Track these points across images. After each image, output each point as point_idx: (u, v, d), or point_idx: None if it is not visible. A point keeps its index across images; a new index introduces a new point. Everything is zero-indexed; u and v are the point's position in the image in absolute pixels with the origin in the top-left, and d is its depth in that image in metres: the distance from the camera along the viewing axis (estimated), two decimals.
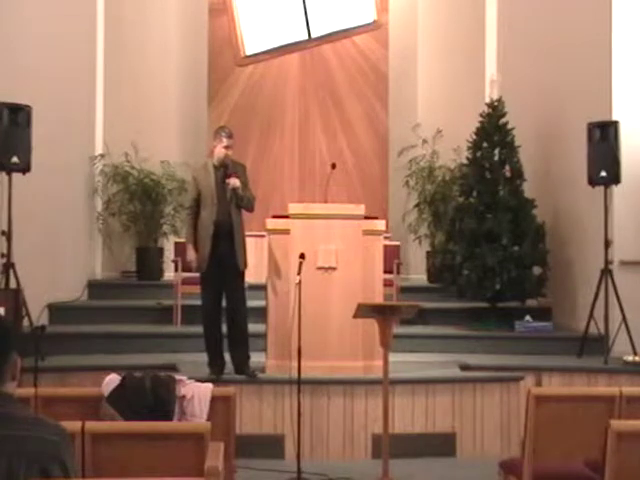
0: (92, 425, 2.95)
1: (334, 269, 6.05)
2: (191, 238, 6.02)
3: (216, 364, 5.95)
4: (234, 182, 5.83)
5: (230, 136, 5.99)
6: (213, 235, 5.86)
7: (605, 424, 3.22)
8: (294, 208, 6.19)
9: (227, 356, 6.04)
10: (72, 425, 2.74)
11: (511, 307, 7.59)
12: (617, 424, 3.22)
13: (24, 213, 6.46)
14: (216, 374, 5.84)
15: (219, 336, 6.02)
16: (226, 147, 5.94)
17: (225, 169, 5.92)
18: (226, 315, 6.00)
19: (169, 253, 8.66)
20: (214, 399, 3.94)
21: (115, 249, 9.12)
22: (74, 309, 7.67)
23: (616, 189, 6.76)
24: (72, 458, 2.14)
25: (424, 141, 9.31)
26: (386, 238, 7.25)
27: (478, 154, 7.72)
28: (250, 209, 6.06)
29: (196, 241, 5.98)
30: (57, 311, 7.41)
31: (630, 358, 6.37)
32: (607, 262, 6.55)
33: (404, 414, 5.86)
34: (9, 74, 6.56)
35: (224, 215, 5.88)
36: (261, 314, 6.39)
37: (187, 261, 6.14)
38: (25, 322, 6.17)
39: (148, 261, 8.94)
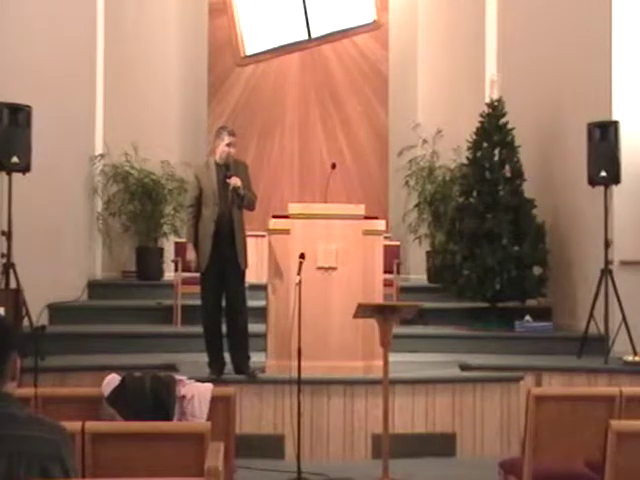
0: (92, 425, 2.95)
1: (334, 269, 6.05)
2: (191, 237, 5.99)
3: (216, 364, 5.94)
4: (235, 181, 5.79)
5: (232, 134, 5.97)
6: (214, 234, 5.83)
7: (605, 424, 3.21)
8: (294, 208, 6.19)
9: (227, 356, 6.04)
10: (72, 425, 2.73)
11: (511, 307, 7.58)
12: (617, 424, 3.22)
13: (24, 213, 6.46)
14: (216, 374, 5.83)
15: (219, 336, 6.00)
16: (228, 144, 5.91)
17: (227, 168, 5.90)
18: (226, 315, 5.98)
19: (169, 253, 8.66)
20: (214, 399, 3.93)
21: (115, 249, 9.12)
22: (74, 309, 7.67)
23: (616, 189, 6.76)
24: (72, 458, 2.14)
25: (424, 141, 9.31)
26: (386, 238, 7.24)
27: (478, 154, 7.72)
28: (251, 208, 6.03)
29: (197, 240, 5.96)
30: (57, 311, 7.41)
31: (630, 358, 6.37)
32: (607, 262, 6.55)
33: (404, 414, 5.85)
34: (9, 74, 6.56)
35: (225, 214, 5.85)
36: (261, 314, 6.38)
37: (187, 260, 6.13)
38: (25, 322, 6.16)
39: (148, 261, 8.94)
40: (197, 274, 6.09)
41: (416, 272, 9.30)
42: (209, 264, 5.86)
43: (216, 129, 6.29)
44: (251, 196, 5.98)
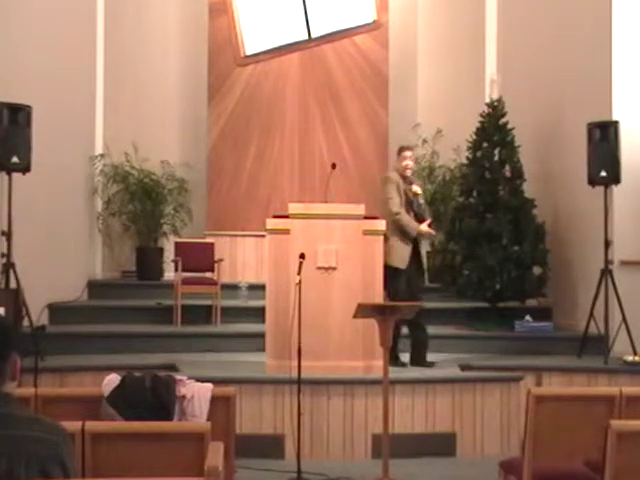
0: (92, 425, 2.94)
1: (334, 269, 6.05)
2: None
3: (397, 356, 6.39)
4: (420, 188, 6.57)
5: (412, 150, 6.76)
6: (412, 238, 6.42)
7: (605, 424, 3.21)
8: (294, 208, 6.19)
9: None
10: (72, 425, 2.73)
11: (511, 307, 7.59)
12: (617, 424, 3.22)
13: (24, 213, 6.46)
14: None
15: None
16: (410, 160, 6.63)
17: (407, 179, 6.55)
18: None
19: (169, 253, 8.66)
20: (214, 399, 3.93)
21: (115, 249, 9.12)
22: (74, 309, 7.67)
23: (616, 189, 6.76)
24: (72, 458, 2.14)
25: (424, 141, 9.32)
26: None
27: (478, 154, 7.72)
28: (421, 217, 6.48)
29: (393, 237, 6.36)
30: (57, 311, 7.41)
31: (630, 358, 6.37)
32: (607, 262, 6.55)
33: (404, 414, 5.85)
34: (9, 74, 6.56)
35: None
36: (261, 314, 6.38)
37: (420, 233, 6.45)
38: (25, 322, 6.16)
39: (148, 261, 8.94)
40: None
41: None
42: (409, 263, 6.37)
43: (400, 146, 6.76)
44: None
